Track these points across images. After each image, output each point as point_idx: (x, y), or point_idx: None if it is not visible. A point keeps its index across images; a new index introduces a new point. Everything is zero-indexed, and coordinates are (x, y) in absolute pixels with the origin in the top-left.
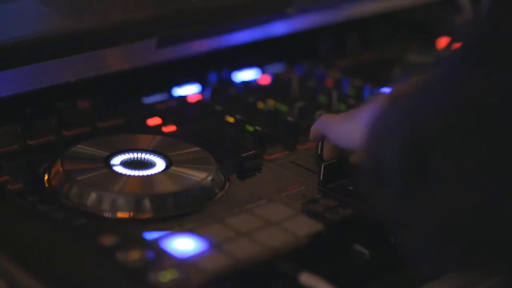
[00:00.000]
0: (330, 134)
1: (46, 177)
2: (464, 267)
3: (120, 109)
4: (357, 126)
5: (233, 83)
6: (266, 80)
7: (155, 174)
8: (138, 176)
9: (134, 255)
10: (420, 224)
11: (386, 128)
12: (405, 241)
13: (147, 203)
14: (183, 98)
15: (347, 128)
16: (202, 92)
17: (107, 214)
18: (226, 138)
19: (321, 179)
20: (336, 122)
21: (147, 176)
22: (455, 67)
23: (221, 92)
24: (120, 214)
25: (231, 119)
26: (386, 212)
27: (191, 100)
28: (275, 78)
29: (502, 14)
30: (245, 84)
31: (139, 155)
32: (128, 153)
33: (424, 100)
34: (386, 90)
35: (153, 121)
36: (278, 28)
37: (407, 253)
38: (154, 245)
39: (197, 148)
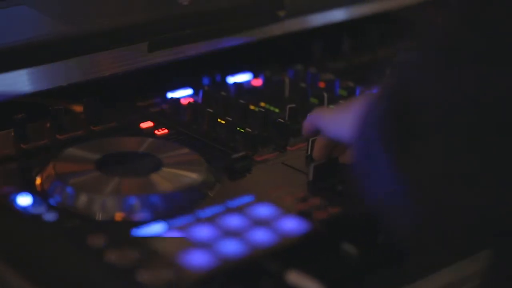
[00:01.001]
0: (323, 127)
1: (38, 180)
2: (452, 247)
3: (114, 112)
4: (349, 118)
5: (225, 86)
6: (258, 82)
7: (146, 176)
8: (129, 178)
9: (124, 256)
10: (408, 203)
11: (374, 114)
12: (394, 223)
13: (137, 204)
14: (175, 101)
15: (340, 120)
16: (194, 95)
17: (98, 216)
18: (218, 140)
19: (310, 179)
20: (329, 115)
21: (138, 178)
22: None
23: (213, 94)
24: (110, 216)
25: (222, 121)
26: (375, 198)
27: (184, 103)
28: (267, 80)
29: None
30: (238, 86)
31: (130, 157)
32: (119, 156)
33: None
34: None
35: (146, 124)
36: (270, 31)
37: (395, 236)
38: (144, 246)
39: (188, 150)
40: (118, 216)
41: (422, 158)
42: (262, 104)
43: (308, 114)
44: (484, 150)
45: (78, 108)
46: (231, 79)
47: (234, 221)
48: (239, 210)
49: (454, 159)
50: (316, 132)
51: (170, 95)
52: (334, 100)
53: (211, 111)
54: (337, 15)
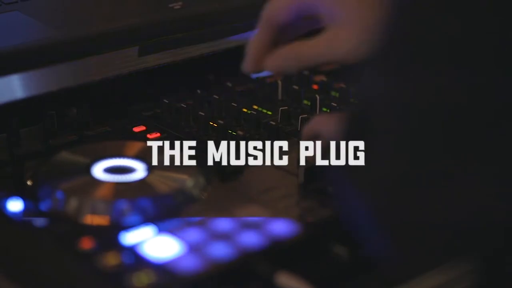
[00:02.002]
0: (327, 134)
1: (29, 185)
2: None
3: (107, 117)
4: None
5: (218, 89)
6: (251, 85)
7: (137, 179)
8: (120, 182)
9: (112, 260)
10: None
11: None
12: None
13: (128, 208)
14: (168, 105)
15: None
16: (188, 98)
17: (88, 220)
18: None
19: (301, 181)
20: (333, 122)
21: (129, 182)
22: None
23: (206, 97)
24: (100, 220)
25: (214, 124)
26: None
27: (176, 106)
28: (260, 83)
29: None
30: (230, 89)
31: (121, 161)
32: (111, 160)
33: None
34: None
35: (139, 128)
36: None
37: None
38: (133, 250)
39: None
40: (108, 220)
41: (369, 166)
42: (255, 106)
43: (309, 120)
44: (427, 154)
45: (71, 113)
46: (224, 82)
47: (224, 224)
48: (230, 213)
49: (399, 165)
50: (316, 137)
51: (163, 98)
52: (326, 102)
53: (203, 114)
54: None
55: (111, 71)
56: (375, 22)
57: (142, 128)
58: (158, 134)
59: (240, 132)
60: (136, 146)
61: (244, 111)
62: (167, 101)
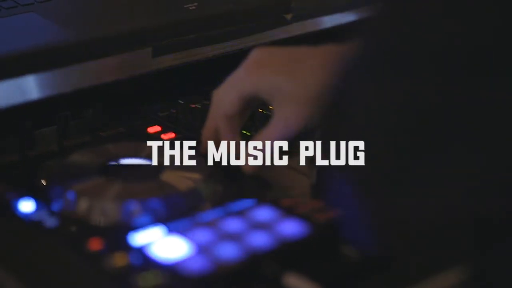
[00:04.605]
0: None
1: (42, 186)
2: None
3: (121, 118)
4: None
5: None
6: None
7: (149, 180)
8: (132, 183)
9: (121, 260)
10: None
11: None
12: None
13: (138, 209)
14: (184, 105)
15: None
16: (203, 98)
17: (98, 221)
18: None
19: (313, 182)
20: None
21: (141, 182)
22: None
23: None
24: (111, 221)
25: None
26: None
27: (192, 107)
28: None
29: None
30: None
31: (134, 162)
32: (123, 161)
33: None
34: None
35: (153, 128)
36: (278, 34)
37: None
38: (141, 251)
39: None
40: (118, 221)
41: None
42: (270, 107)
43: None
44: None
45: (86, 114)
46: None
47: (234, 224)
48: (240, 213)
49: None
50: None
51: (178, 99)
52: None
53: None
54: (345, 17)
55: (125, 72)
56: (317, 88)
57: (157, 128)
58: (173, 135)
59: (254, 133)
60: (150, 146)
61: (260, 112)
62: (182, 102)
